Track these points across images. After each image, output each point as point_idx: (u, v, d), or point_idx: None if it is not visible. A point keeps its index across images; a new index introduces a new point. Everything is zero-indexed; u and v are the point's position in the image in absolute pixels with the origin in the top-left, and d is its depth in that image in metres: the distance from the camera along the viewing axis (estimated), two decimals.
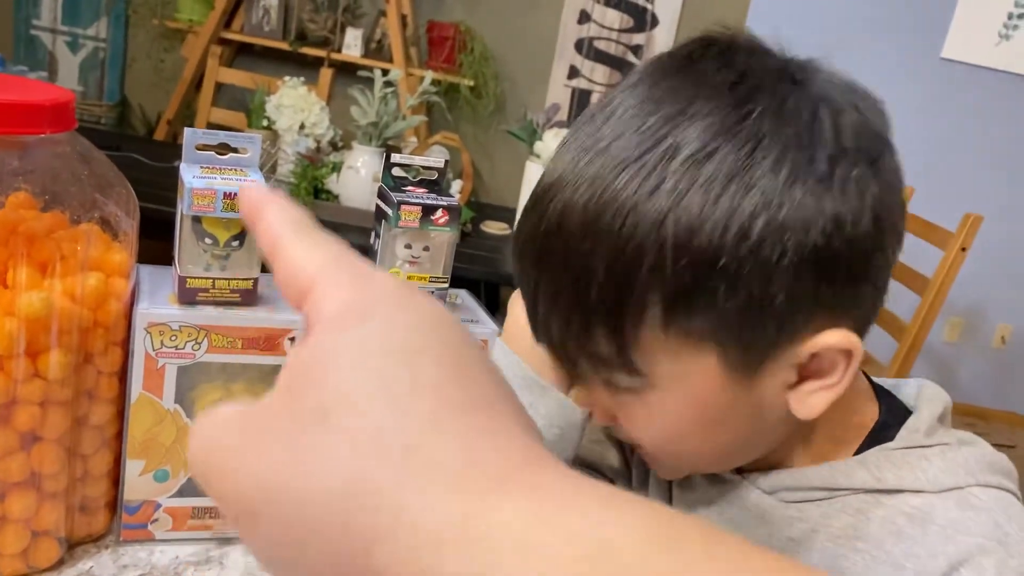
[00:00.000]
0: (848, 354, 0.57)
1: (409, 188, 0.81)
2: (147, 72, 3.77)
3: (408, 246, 0.79)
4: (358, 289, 0.29)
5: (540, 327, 0.62)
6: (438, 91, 2.94)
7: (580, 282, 0.56)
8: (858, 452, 0.65)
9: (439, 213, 0.78)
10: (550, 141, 2.58)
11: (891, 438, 0.64)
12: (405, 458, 0.25)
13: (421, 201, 0.78)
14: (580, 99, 3.52)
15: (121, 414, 0.74)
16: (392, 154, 0.81)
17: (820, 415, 0.59)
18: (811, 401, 0.58)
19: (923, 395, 0.68)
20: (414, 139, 3.01)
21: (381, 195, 0.80)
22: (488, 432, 0.26)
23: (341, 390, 0.26)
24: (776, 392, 0.59)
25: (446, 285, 0.82)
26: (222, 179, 0.72)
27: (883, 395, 0.69)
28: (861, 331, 0.59)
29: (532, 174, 2.64)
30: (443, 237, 0.80)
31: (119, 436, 0.75)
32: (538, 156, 2.61)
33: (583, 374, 0.62)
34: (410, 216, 0.78)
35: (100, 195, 0.73)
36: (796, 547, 0.64)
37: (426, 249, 0.80)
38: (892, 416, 0.66)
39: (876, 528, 0.61)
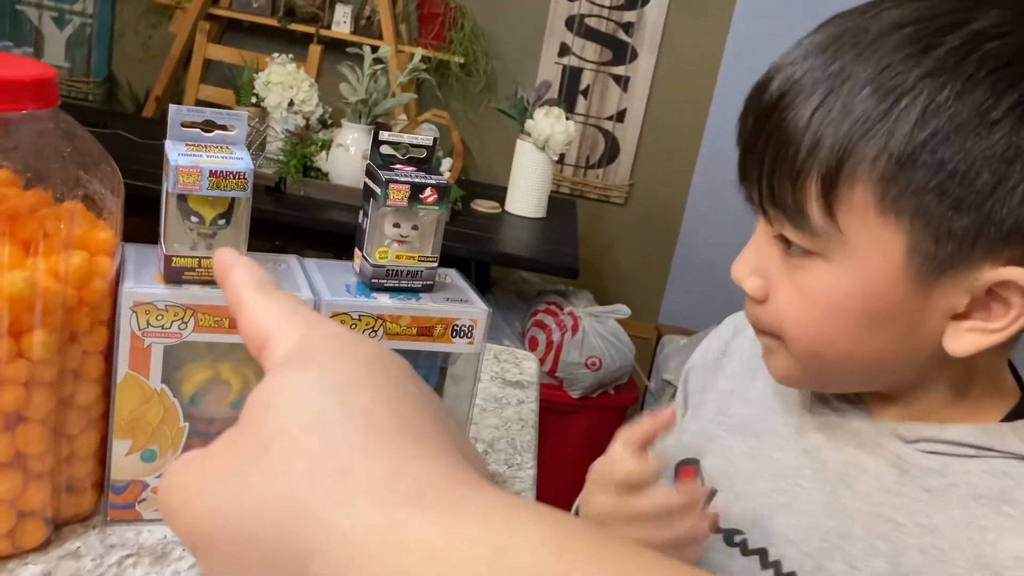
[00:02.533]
0: None
1: (398, 166, 0.80)
2: (135, 48, 3.73)
3: (396, 225, 0.79)
4: (304, 337, 0.33)
5: (749, 170, 0.63)
6: (428, 68, 2.92)
7: (807, 140, 0.57)
8: (1005, 420, 0.65)
9: (428, 192, 0.78)
10: (540, 119, 2.57)
11: None
12: (335, 480, 0.28)
13: (410, 180, 0.77)
14: (571, 77, 3.51)
15: (107, 394, 0.74)
16: (380, 132, 0.80)
17: (976, 375, 0.61)
18: (965, 339, 0.59)
19: None
20: (404, 117, 3.00)
21: (369, 173, 0.80)
22: (414, 455, 0.29)
23: (280, 425, 0.30)
24: (940, 316, 0.59)
25: (435, 264, 0.81)
26: (208, 157, 0.71)
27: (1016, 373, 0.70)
28: None
29: (522, 152, 2.63)
30: (432, 216, 0.79)
31: (105, 416, 0.74)
32: (528, 134, 2.59)
33: (773, 224, 0.63)
34: (398, 195, 0.77)
35: (84, 173, 0.72)
36: (930, 498, 0.64)
37: (415, 228, 0.79)
38: None
39: None
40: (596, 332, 2.44)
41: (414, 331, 0.79)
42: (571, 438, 2.49)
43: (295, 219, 2.33)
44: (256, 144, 2.72)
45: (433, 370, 0.85)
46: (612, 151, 3.58)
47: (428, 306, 0.79)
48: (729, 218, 3.61)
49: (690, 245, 3.61)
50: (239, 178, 0.71)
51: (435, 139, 0.82)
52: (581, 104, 3.53)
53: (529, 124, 2.59)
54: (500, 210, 2.67)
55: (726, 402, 0.81)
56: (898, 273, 0.58)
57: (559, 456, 2.50)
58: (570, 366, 2.43)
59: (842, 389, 0.69)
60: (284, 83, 2.70)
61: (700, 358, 0.88)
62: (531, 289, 2.76)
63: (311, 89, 2.69)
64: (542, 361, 2.44)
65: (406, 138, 0.80)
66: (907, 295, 0.58)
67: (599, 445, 2.76)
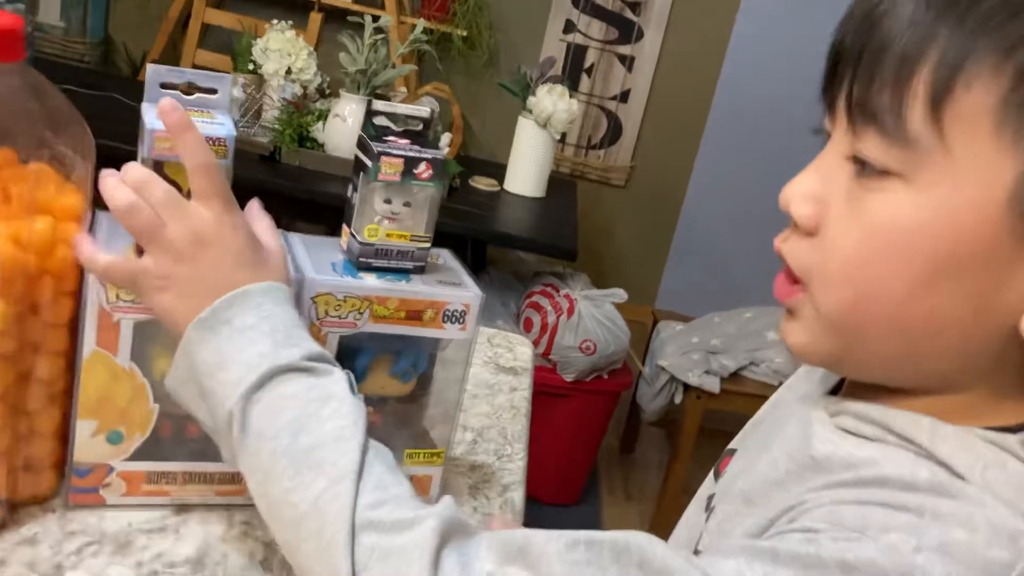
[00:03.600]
0: None
1: (391, 138, 0.75)
2: (132, 9, 3.65)
3: (388, 201, 0.74)
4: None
5: (841, 71, 0.53)
6: (429, 40, 2.85)
7: (921, 32, 0.48)
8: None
9: (422, 167, 0.73)
10: (543, 96, 2.51)
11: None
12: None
13: (404, 153, 0.72)
14: (575, 54, 3.44)
15: (71, 369, 0.69)
16: (375, 102, 0.75)
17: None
18: None
19: None
20: (403, 89, 2.93)
21: (361, 145, 0.74)
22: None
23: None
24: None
25: (428, 244, 0.76)
26: None
27: None
28: None
29: (524, 130, 2.58)
30: (426, 192, 0.74)
31: (68, 393, 0.70)
32: (530, 111, 2.54)
33: (854, 137, 0.52)
34: (391, 169, 0.72)
35: (52, 133, 0.67)
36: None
37: (407, 205, 0.74)
38: None
39: None
40: (592, 316, 2.39)
41: (403, 315, 0.74)
42: (562, 422, 2.45)
43: (289, 189, 2.28)
44: (252, 112, 2.66)
45: (423, 356, 0.80)
46: (614, 132, 3.52)
47: (418, 288, 0.75)
48: (730, 205, 3.56)
49: (689, 230, 3.56)
50: (220, 145, 0.66)
51: (433, 111, 0.77)
52: (585, 83, 3.47)
53: (531, 101, 2.54)
54: (499, 188, 2.61)
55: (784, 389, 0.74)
56: (995, 210, 0.48)
57: (549, 439, 2.46)
58: (564, 349, 2.38)
59: (863, 373, 0.57)
60: (282, 50, 2.64)
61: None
62: (527, 270, 2.71)
63: (309, 58, 2.63)
64: (536, 343, 2.40)
65: (402, 109, 0.75)
66: (997, 242, 0.48)
67: (590, 429, 2.74)
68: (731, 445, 0.75)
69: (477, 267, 2.68)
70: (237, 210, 0.65)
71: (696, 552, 0.63)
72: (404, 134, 0.75)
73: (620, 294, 2.45)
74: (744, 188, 3.44)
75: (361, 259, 0.74)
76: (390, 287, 0.74)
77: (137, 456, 0.72)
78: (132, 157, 0.66)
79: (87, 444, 0.71)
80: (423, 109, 0.76)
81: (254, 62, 2.65)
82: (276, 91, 2.61)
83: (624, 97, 3.50)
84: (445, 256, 0.83)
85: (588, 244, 3.33)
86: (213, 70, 3.38)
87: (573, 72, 3.46)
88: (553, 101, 2.50)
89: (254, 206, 0.71)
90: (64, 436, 0.71)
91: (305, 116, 2.49)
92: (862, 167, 0.52)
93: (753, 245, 3.43)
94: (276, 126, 2.48)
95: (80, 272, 0.66)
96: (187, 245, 0.62)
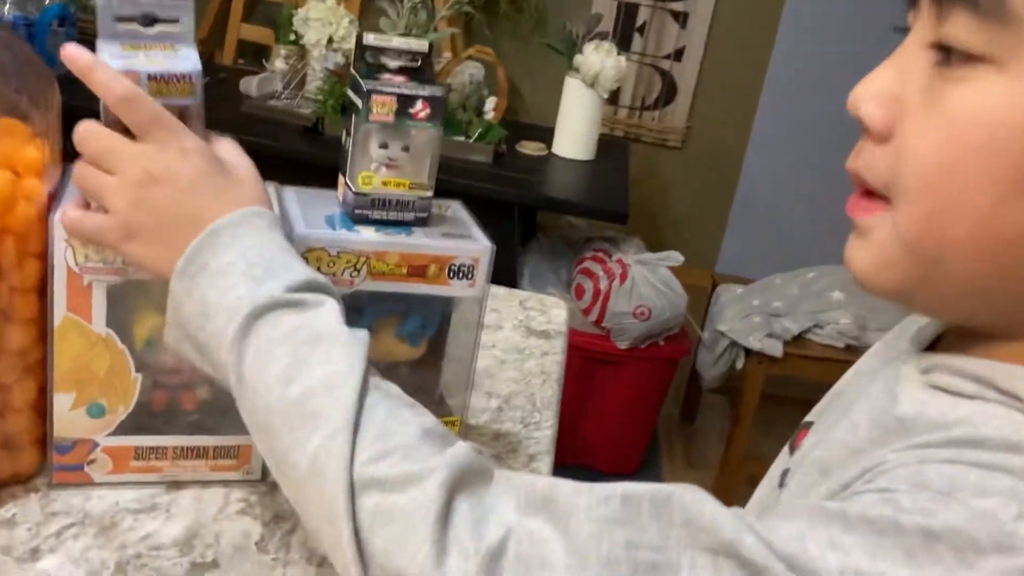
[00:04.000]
0: None
1: (386, 76, 0.68)
2: None
3: (384, 146, 0.67)
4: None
5: None
6: (474, 2, 2.78)
7: None
8: None
9: (419, 105, 0.66)
10: (589, 54, 2.41)
11: None
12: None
13: (397, 91, 0.65)
14: (626, 13, 3.33)
15: (44, 338, 0.64)
16: (367, 35, 0.68)
17: None
18: None
19: None
20: (448, 54, 2.86)
21: (352, 85, 0.68)
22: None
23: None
24: None
25: (429, 193, 0.69)
26: (147, 58, 0.59)
27: None
28: None
29: (571, 90, 2.49)
30: (425, 135, 0.67)
31: (43, 364, 0.64)
32: (577, 70, 2.44)
33: (940, 18, 0.44)
34: (383, 108, 0.65)
35: (16, 84, 0.62)
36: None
37: (405, 149, 0.67)
38: None
39: None
40: (646, 280, 2.30)
41: (404, 270, 0.68)
42: (618, 390, 2.37)
43: (332, 160, 2.22)
44: (295, 83, 2.62)
45: (431, 317, 0.73)
46: (669, 92, 3.41)
47: (420, 242, 0.68)
48: (791, 163, 3.42)
49: (750, 191, 3.44)
50: (183, 82, 0.59)
51: (431, 44, 0.70)
52: (637, 42, 3.36)
53: (578, 59, 2.44)
54: (547, 152, 2.53)
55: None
56: None
57: (605, 408, 2.39)
58: (618, 316, 2.30)
59: (941, 307, 0.49)
60: (323, 19, 2.58)
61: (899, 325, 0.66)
62: (579, 236, 2.63)
63: (351, 26, 2.57)
64: (588, 311, 2.32)
65: (396, 42, 0.68)
66: None
67: (648, 398, 2.64)
68: (808, 417, 0.66)
69: (527, 234, 2.61)
70: (185, 134, 0.58)
71: None
72: (400, 71, 0.68)
73: (675, 257, 2.35)
74: (805, 144, 3.30)
75: (357, 211, 0.68)
76: (389, 240, 0.67)
77: (123, 430, 0.67)
78: None
79: (66, 418, 0.66)
80: (420, 42, 0.69)
81: (295, 33, 2.60)
82: (318, 61, 2.57)
83: (678, 55, 3.38)
84: (455, 208, 0.76)
85: (644, 208, 3.23)
86: (259, 46, 3.33)
87: (625, 31, 3.34)
88: (600, 59, 2.41)
89: (214, 135, 0.64)
90: (43, 410, 0.66)
91: (348, 85, 2.43)
92: (946, 55, 0.43)
93: (815, 203, 3.30)
94: (319, 96, 2.43)
95: (45, 231, 0.61)
96: (135, 189, 0.57)
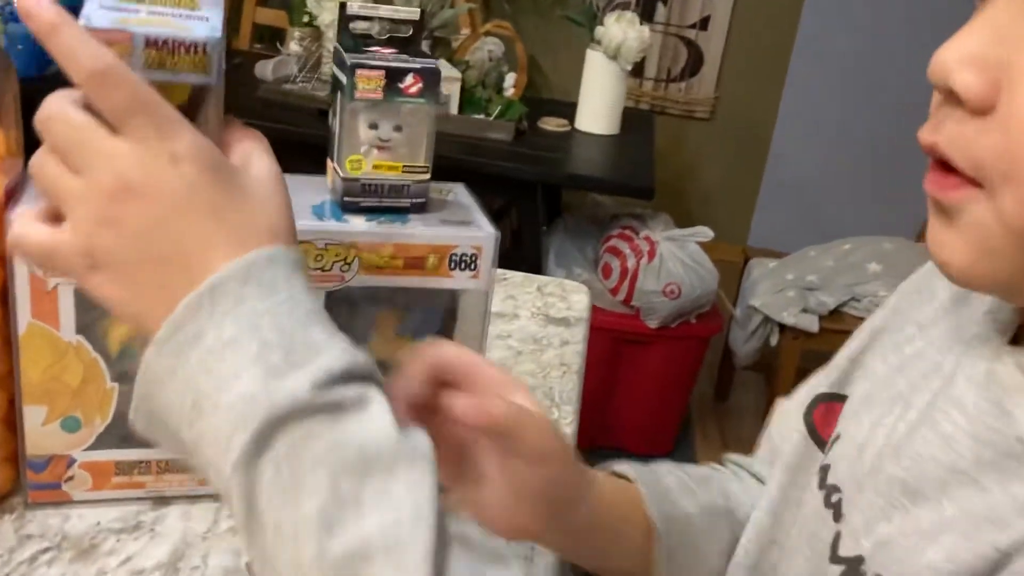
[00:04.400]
0: None
1: (374, 48, 0.62)
2: None
3: (374, 126, 0.61)
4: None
5: None
6: None
7: None
8: None
9: (409, 79, 0.60)
10: (611, 25, 2.33)
11: None
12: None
13: (384, 64, 0.59)
14: None
15: (9, 347, 0.58)
16: (350, 3, 0.62)
17: None
18: None
19: None
20: (467, 31, 2.79)
21: (336, 60, 0.62)
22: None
23: None
24: None
25: (426, 176, 0.63)
26: (149, 13, 0.43)
27: None
28: None
29: (593, 63, 2.41)
30: (420, 112, 0.61)
31: (11, 375, 0.59)
32: (598, 42, 2.37)
33: None
34: (369, 84, 0.59)
35: None
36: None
37: (398, 129, 0.61)
38: None
39: None
40: (675, 257, 2.23)
41: (400, 263, 0.62)
42: (648, 371, 2.30)
43: None
44: (310, 65, 2.56)
45: (434, 312, 0.67)
46: (695, 62, 3.31)
47: (416, 231, 0.62)
48: (824, 130, 3.32)
49: (781, 161, 3.34)
50: (195, 53, 0.43)
51: (423, 12, 0.64)
52: (661, 12, 3.26)
53: (599, 31, 2.36)
54: (569, 128, 2.45)
55: (911, 338, 0.55)
56: None
57: (636, 389, 2.33)
58: (647, 294, 2.23)
59: None
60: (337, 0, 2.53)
61: (911, 280, 0.60)
62: (605, 213, 2.56)
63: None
64: (616, 290, 2.25)
65: (384, 11, 0.62)
66: None
67: (680, 377, 2.56)
68: (825, 388, 0.59)
69: (552, 214, 2.54)
70: (180, 130, 0.40)
71: (842, 560, 0.47)
72: (389, 42, 0.62)
73: (705, 232, 2.28)
74: (837, 112, 3.20)
75: (346, 198, 0.62)
76: (381, 231, 0.61)
77: (101, 444, 0.62)
78: None
79: (39, 433, 0.60)
80: (410, 10, 0.62)
81: (309, 14, 2.55)
82: (333, 42, 2.51)
83: (704, 24, 3.28)
84: (458, 192, 0.69)
85: (671, 183, 3.16)
86: (275, 29, 3.28)
87: (647, 1, 3.25)
88: (622, 30, 2.33)
89: (236, 129, 0.46)
90: (14, 425, 0.61)
91: None
92: None
93: (850, 172, 3.21)
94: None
95: (2, 232, 0.56)
96: (105, 201, 0.40)
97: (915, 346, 0.52)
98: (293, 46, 2.62)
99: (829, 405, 0.57)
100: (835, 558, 0.47)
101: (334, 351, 0.39)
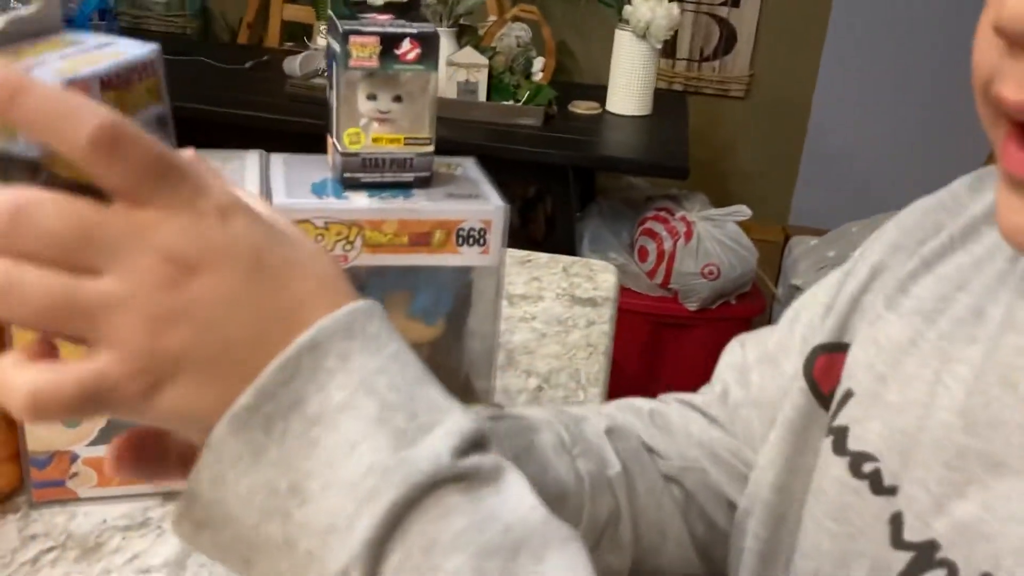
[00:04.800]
0: None
1: (369, 15, 0.59)
2: None
3: (372, 97, 0.58)
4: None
5: None
6: None
7: None
8: None
9: (406, 45, 0.57)
10: (639, 4, 2.29)
11: None
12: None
13: (379, 30, 0.56)
14: None
15: (2, 338, 0.57)
16: None
17: None
18: None
19: None
20: (493, 17, 2.76)
21: (330, 28, 0.59)
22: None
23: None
24: None
25: (430, 147, 0.60)
26: (60, 59, 0.35)
27: None
28: None
29: (622, 43, 2.37)
30: (420, 80, 0.58)
31: None
32: (627, 22, 2.32)
33: None
34: (364, 51, 0.56)
35: None
36: None
37: (398, 100, 0.58)
38: None
39: None
40: (712, 237, 2.18)
41: (404, 240, 0.59)
42: (688, 354, 2.26)
43: None
44: None
45: (445, 290, 0.64)
46: (728, 40, 3.25)
47: (420, 206, 0.59)
48: (863, 103, 3.24)
49: (820, 136, 3.27)
50: (148, 77, 0.37)
51: None
52: None
53: (627, 11, 2.32)
54: (600, 110, 2.41)
55: (915, 275, 0.50)
56: None
57: (674, 373, 2.29)
58: (684, 276, 2.18)
59: None
60: None
61: (909, 214, 0.55)
62: (640, 196, 2.51)
63: None
64: (652, 273, 2.21)
65: None
66: None
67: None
68: (823, 338, 0.52)
69: (586, 198, 2.50)
70: (209, 178, 0.33)
71: (910, 546, 0.41)
72: (387, 9, 0.59)
73: (743, 211, 2.23)
74: (876, 84, 3.12)
75: (346, 174, 0.59)
76: (384, 207, 0.58)
77: (104, 439, 0.60)
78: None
79: (39, 429, 0.59)
80: None
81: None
82: None
83: (735, 1, 3.21)
84: (467, 166, 0.66)
85: (707, 163, 3.10)
86: (300, 25, 3.27)
87: None
88: (651, 7, 2.28)
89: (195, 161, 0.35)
90: (14, 422, 0.59)
91: None
92: None
93: (890, 145, 3.13)
94: None
95: None
96: (157, 291, 0.30)
97: (924, 285, 0.48)
98: (320, 40, 2.61)
99: (830, 357, 0.52)
100: (900, 543, 0.41)
101: (456, 411, 0.33)
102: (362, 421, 0.31)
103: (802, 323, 0.57)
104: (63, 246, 0.29)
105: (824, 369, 0.51)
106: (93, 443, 0.60)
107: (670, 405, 0.62)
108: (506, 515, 0.32)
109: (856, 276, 0.53)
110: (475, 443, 0.33)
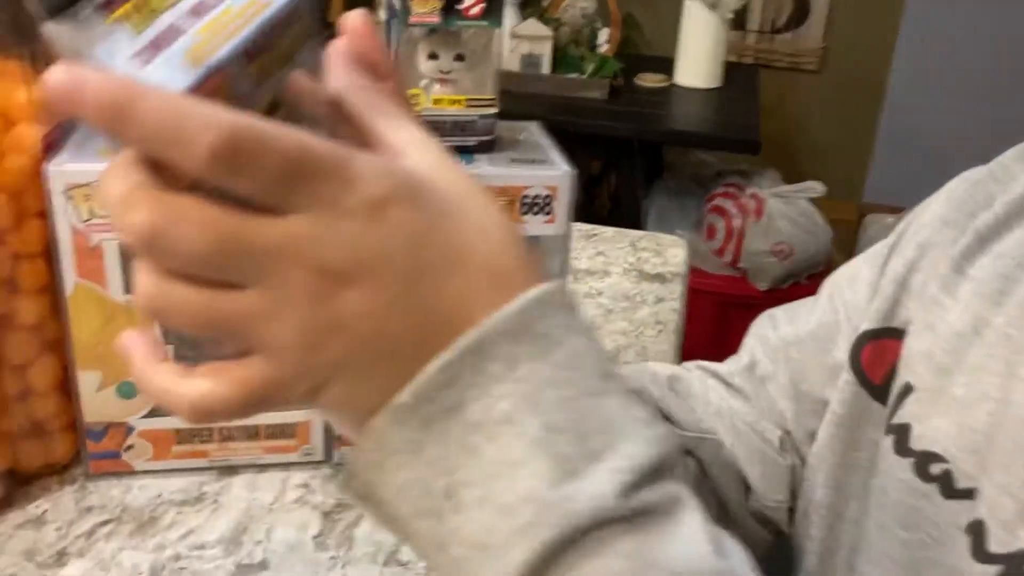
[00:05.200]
0: None
1: None
2: None
3: (433, 56, 0.55)
4: None
5: None
6: None
7: None
8: None
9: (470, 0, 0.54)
10: None
11: None
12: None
13: None
14: None
15: (58, 311, 0.55)
16: None
17: None
18: None
19: None
20: None
21: None
22: None
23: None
24: None
25: (494, 110, 0.57)
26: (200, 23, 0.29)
27: None
28: None
29: (691, 14, 2.31)
30: (483, 38, 0.55)
31: (63, 340, 0.56)
32: None
33: None
34: (425, 7, 0.53)
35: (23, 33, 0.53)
36: None
37: (459, 59, 0.56)
38: None
39: None
40: (784, 215, 2.12)
41: None
42: None
43: None
44: None
45: None
46: (801, 11, 3.15)
47: (483, 170, 0.56)
48: (942, 76, 3.12)
49: (897, 111, 3.16)
50: (297, 21, 0.31)
51: None
52: None
53: None
54: (668, 83, 2.36)
55: (969, 254, 0.46)
56: None
57: None
58: (754, 255, 2.13)
59: None
60: None
61: (957, 186, 0.51)
62: (709, 171, 2.45)
63: None
64: (721, 251, 2.16)
65: None
66: None
67: None
68: (871, 323, 0.48)
69: (653, 173, 2.45)
70: (356, 161, 0.29)
71: (997, 559, 0.38)
72: None
73: (816, 188, 2.16)
74: (955, 57, 3.00)
75: None
76: None
77: (159, 411, 0.59)
78: None
79: (94, 400, 0.57)
80: None
81: None
82: None
83: None
84: (532, 130, 0.63)
85: (780, 138, 3.02)
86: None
87: None
88: None
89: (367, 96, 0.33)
90: (69, 393, 0.58)
91: None
92: None
93: (970, 119, 3.01)
94: None
95: (42, 186, 0.52)
96: (311, 305, 0.29)
97: (982, 265, 0.44)
98: (382, 13, 2.59)
99: (878, 343, 0.48)
100: (983, 555, 0.38)
101: (635, 432, 0.30)
102: (524, 440, 0.28)
103: (845, 302, 0.53)
104: (206, 263, 0.27)
105: (872, 358, 0.48)
106: (148, 415, 0.59)
107: (692, 372, 0.59)
108: (672, 562, 0.28)
109: (902, 254, 0.49)
110: (650, 473, 0.29)
